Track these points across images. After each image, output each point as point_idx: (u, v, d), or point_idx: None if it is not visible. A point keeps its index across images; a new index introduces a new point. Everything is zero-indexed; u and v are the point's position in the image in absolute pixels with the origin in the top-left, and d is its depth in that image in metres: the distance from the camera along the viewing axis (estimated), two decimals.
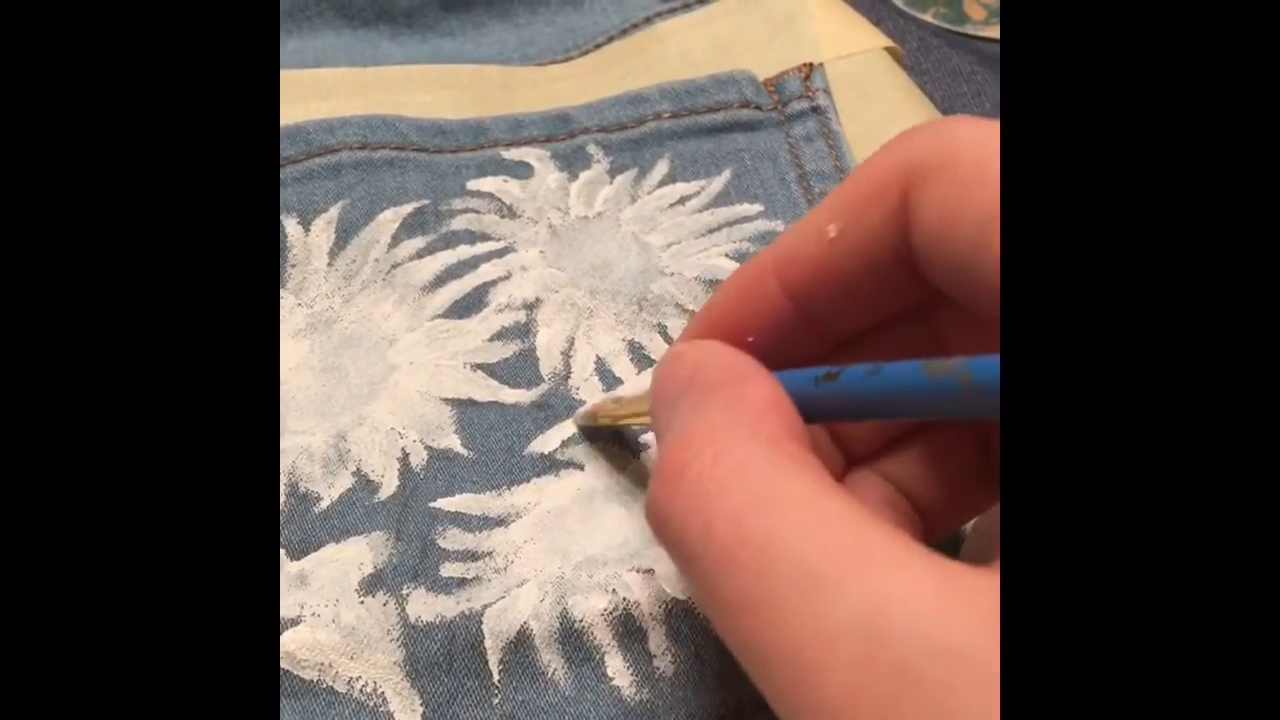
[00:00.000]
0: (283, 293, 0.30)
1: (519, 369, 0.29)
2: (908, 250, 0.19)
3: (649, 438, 0.27)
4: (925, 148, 0.19)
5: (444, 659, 0.24)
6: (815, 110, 0.34)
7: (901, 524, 0.22)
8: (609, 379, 0.29)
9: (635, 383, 0.28)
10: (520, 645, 0.24)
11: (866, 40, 0.37)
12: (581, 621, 0.24)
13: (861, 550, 0.15)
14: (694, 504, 0.17)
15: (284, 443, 0.27)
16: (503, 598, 0.25)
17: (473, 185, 0.32)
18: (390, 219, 0.31)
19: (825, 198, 0.21)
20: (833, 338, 0.22)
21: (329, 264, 0.30)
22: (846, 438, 0.23)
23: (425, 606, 0.25)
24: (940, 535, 0.23)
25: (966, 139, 0.18)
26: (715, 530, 0.16)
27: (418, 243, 0.31)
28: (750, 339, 0.21)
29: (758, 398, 0.18)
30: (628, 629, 0.24)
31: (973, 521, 0.25)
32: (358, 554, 0.25)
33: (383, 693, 0.24)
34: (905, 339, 0.22)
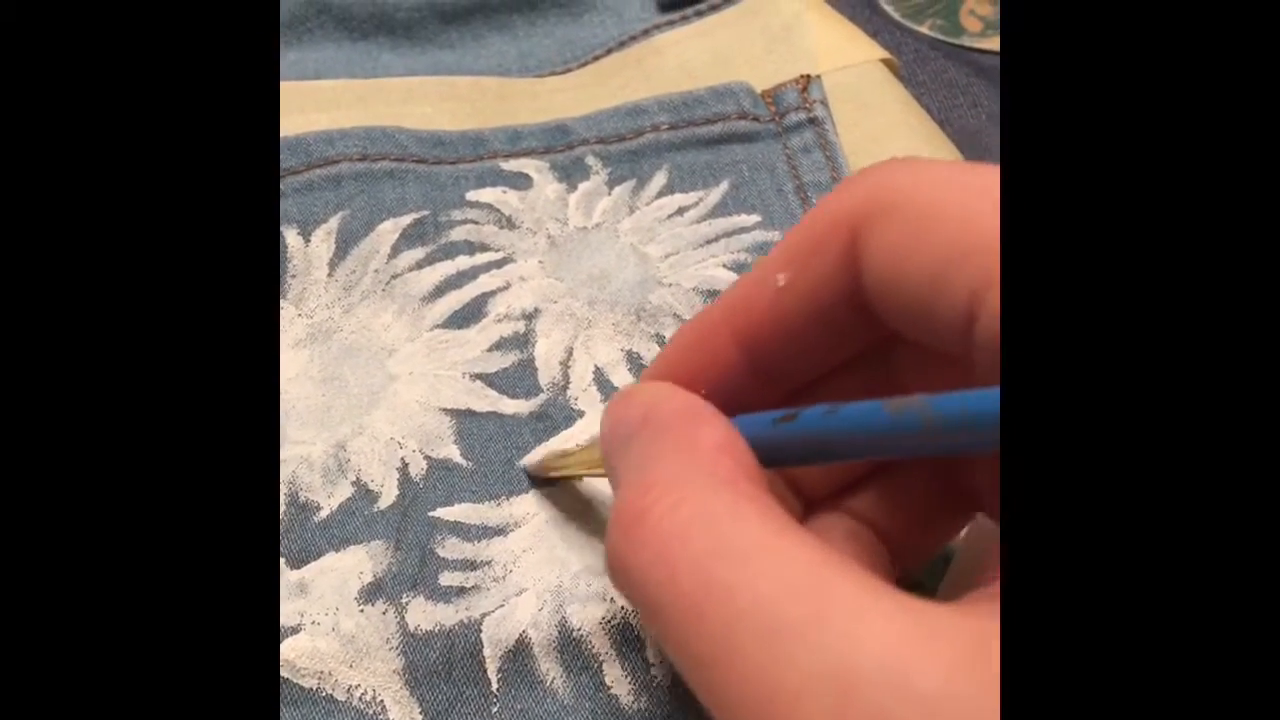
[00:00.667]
0: (283, 303, 0.30)
1: (518, 379, 0.29)
2: (858, 294, 0.19)
3: None
4: (871, 192, 0.19)
5: (443, 667, 0.24)
6: (812, 121, 0.35)
7: (867, 557, 0.22)
8: (607, 389, 0.29)
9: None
10: (519, 654, 0.24)
11: (863, 52, 0.37)
12: (580, 630, 0.24)
13: (827, 595, 0.15)
14: (655, 555, 0.17)
15: (284, 452, 0.27)
16: (501, 606, 0.25)
17: (472, 196, 0.33)
18: (390, 230, 0.31)
19: (772, 249, 0.21)
20: (786, 387, 0.22)
21: (329, 274, 0.31)
22: (802, 482, 0.23)
23: (424, 615, 0.25)
24: (911, 562, 0.23)
25: (913, 180, 0.18)
26: (679, 581, 0.16)
27: (417, 253, 0.31)
28: (703, 392, 0.21)
29: (711, 440, 0.18)
30: (625, 638, 0.24)
31: (961, 541, 0.25)
32: (357, 563, 0.25)
33: (382, 701, 0.24)
34: (858, 385, 0.22)
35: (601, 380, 0.29)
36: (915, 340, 0.19)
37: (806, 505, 0.23)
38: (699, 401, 0.20)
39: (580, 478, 0.27)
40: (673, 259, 0.31)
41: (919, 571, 0.24)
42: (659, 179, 0.33)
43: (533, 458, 0.27)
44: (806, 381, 0.22)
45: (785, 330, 0.20)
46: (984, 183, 0.18)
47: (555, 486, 0.27)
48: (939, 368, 0.20)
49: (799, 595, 0.15)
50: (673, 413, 0.19)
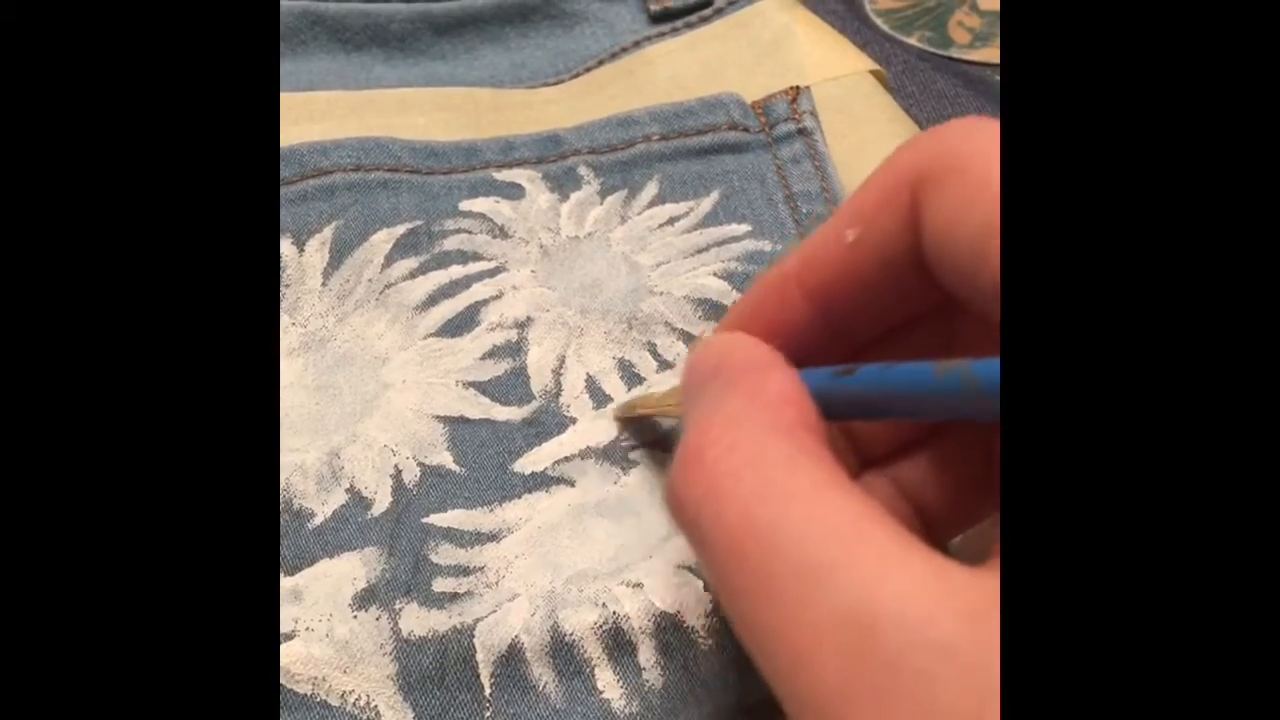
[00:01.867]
0: None
1: (510, 387, 0.29)
2: (919, 253, 0.20)
3: (637, 455, 0.28)
4: (933, 152, 0.19)
5: (436, 673, 0.24)
6: (802, 132, 0.35)
7: (903, 523, 0.22)
8: (599, 396, 0.29)
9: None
10: (511, 659, 0.24)
11: (852, 64, 0.37)
12: (572, 635, 0.25)
13: (860, 542, 0.16)
14: (708, 490, 0.17)
15: None
16: (494, 612, 0.25)
17: (465, 206, 0.33)
18: (384, 239, 0.32)
19: (843, 203, 0.21)
20: (853, 342, 0.22)
21: (323, 284, 0.31)
22: (860, 439, 0.24)
23: (418, 621, 0.25)
24: (943, 538, 0.24)
25: (973, 144, 0.19)
26: (726, 517, 0.17)
27: (411, 263, 0.31)
28: (776, 344, 0.21)
29: (776, 389, 0.19)
30: (617, 642, 0.25)
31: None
32: (351, 569, 0.26)
33: (375, 706, 0.24)
34: (923, 344, 0.22)
35: (593, 388, 0.29)
36: (965, 303, 0.19)
37: (862, 464, 0.24)
38: (770, 352, 0.20)
39: (662, 416, 0.27)
40: (664, 268, 0.32)
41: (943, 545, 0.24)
42: (650, 189, 0.34)
43: (622, 401, 0.28)
44: (873, 337, 0.22)
45: (854, 285, 0.21)
46: None
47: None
48: (993, 333, 0.20)
49: (835, 540, 0.16)
50: (745, 361, 0.20)
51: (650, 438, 0.28)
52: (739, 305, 0.23)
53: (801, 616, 0.15)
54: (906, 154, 0.20)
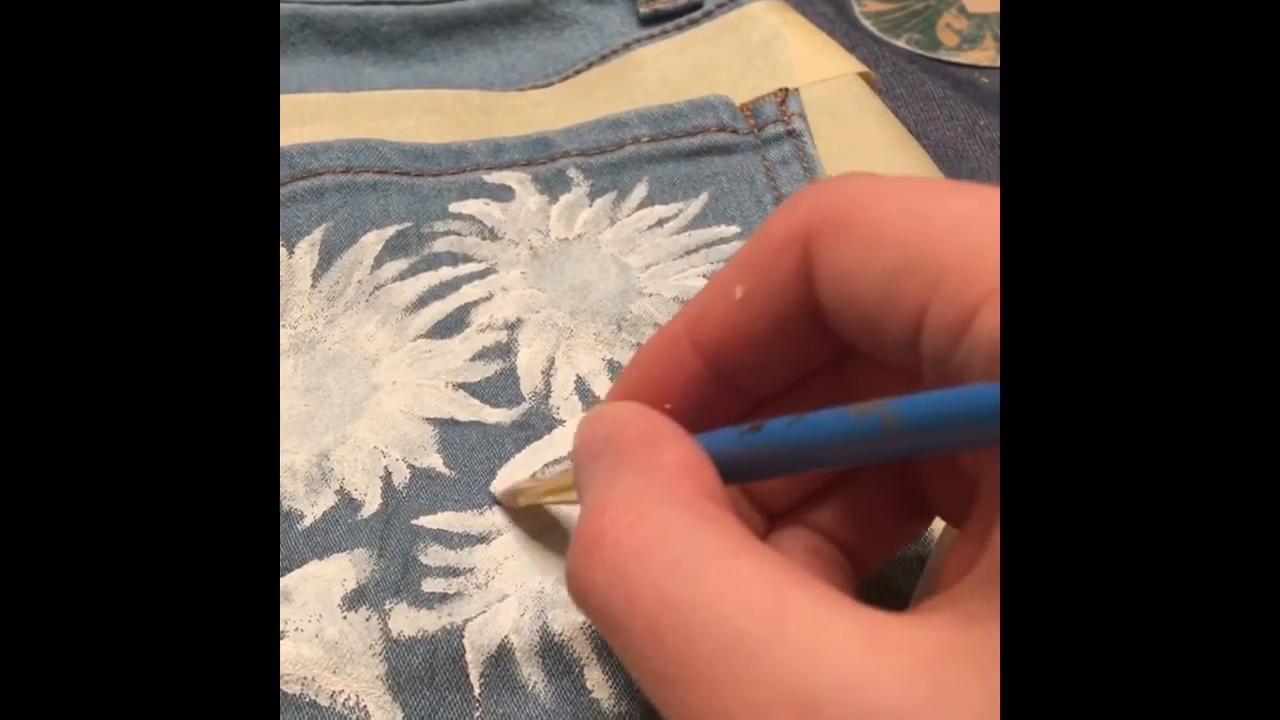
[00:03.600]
0: None
1: (500, 388, 0.29)
2: (813, 306, 0.19)
3: None
4: (824, 205, 0.19)
5: (426, 673, 0.24)
6: (791, 134, 0.35)
7: (827, 568, 0.22)
8: (589, 398, 0.29)
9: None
10: (501, 659, 0.25)
11: (841, 66, 0.38)
12: (561, 635, 0.25)
13: (785, 610, 0.15)
14: (615, 574, 0.17)
15: None
16: (484, 612, 0.25)
17: (455, 208, 0.33)
18: (373, 241, 0.32)
19: (731, 259, 0.21)
20: (749, 398, 0.22)
21: (312, 286, 0.31)
22: (765, 497, 0.23)
23: (407, 621, 0.25)
24: (870, 570, 0.23)
25: (865, 195, 0.18)
26: (637, 601, 0.16)
27: (400, 264, 0.31)
28: (668, 405, 0.21)
29: (672, 460, 0.18)
30: (606, 642, 0.25)
31: (935, 546, 0.25)
32: (340, 570, 0.26)
33: (365, 706, 0.24)
34: (821, 396, 0.22)
35: (583, 389, 0.29)
36: (866, 351, 0.19)
37: (769, 520, 0.23)
38: (662, 421, 0.20)
39: (548, 504, 0.26)
40: (653, 269, 0.32)
41: (873, 575, 0.24)
42: (639, 191, 0.34)
43: (499, 485, 0.27)
44: (770, 392, 0.22)
45: (745, 341, 0.20)
46: (931, 199, 0.18)
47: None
48: (891, 379, 0.20)
49: (757, 611, 0.15)
50: (636, 433, 0.19)
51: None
52: (630, 367, 0.22)
53: (736, 697, 0.15)
54: (795, 208, 0.19)
